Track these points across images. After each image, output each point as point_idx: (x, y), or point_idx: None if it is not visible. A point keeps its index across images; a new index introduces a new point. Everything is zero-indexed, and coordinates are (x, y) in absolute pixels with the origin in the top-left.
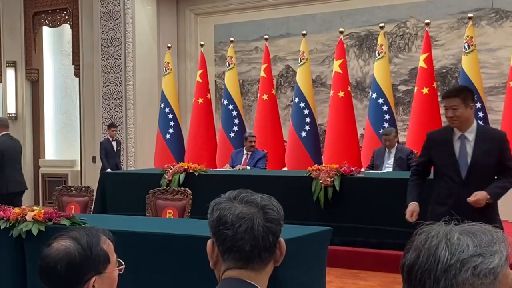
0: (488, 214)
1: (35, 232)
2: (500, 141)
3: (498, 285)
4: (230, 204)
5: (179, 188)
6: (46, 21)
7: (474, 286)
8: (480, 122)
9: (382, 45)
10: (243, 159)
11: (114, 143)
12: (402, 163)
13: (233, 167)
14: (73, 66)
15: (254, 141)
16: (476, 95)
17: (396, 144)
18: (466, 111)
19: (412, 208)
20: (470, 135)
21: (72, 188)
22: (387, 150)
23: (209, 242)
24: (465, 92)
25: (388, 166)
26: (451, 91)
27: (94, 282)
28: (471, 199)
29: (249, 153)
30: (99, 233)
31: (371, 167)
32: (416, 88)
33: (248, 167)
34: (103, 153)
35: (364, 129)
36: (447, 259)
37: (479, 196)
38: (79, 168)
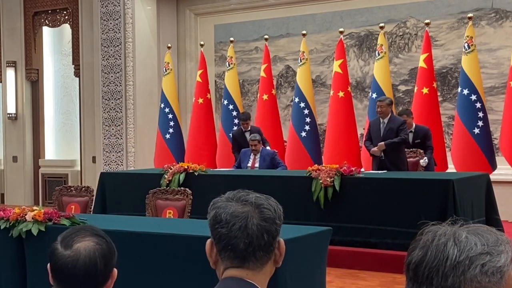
0: None
1: (35, 232)
2: None
3: (503, 285)
4: (226, 203)
5: (179, 188)
6: (46, 21)
7: (481, 283)
8: (480, 122)
9: (382, 45)
10: (251, 160)
11: (247, 134)
12: (391, 133)
13: (239, 166)
14: (73, 66)
15: (255, 145)
16: (476, 95)
17: (390, 114)
18: None
19: None
20: None
21: (72, 188)
22: (381, 120)
23: (208, 241)
24: None
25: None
26: None
27: (115, 274)
28: None
29: (256, 155)
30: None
31: (369, 140)
32: (416, 88)
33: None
34: (235, 148)
35: (364, 129)
36: (456, 256)
37: None
38: (79, 168)
